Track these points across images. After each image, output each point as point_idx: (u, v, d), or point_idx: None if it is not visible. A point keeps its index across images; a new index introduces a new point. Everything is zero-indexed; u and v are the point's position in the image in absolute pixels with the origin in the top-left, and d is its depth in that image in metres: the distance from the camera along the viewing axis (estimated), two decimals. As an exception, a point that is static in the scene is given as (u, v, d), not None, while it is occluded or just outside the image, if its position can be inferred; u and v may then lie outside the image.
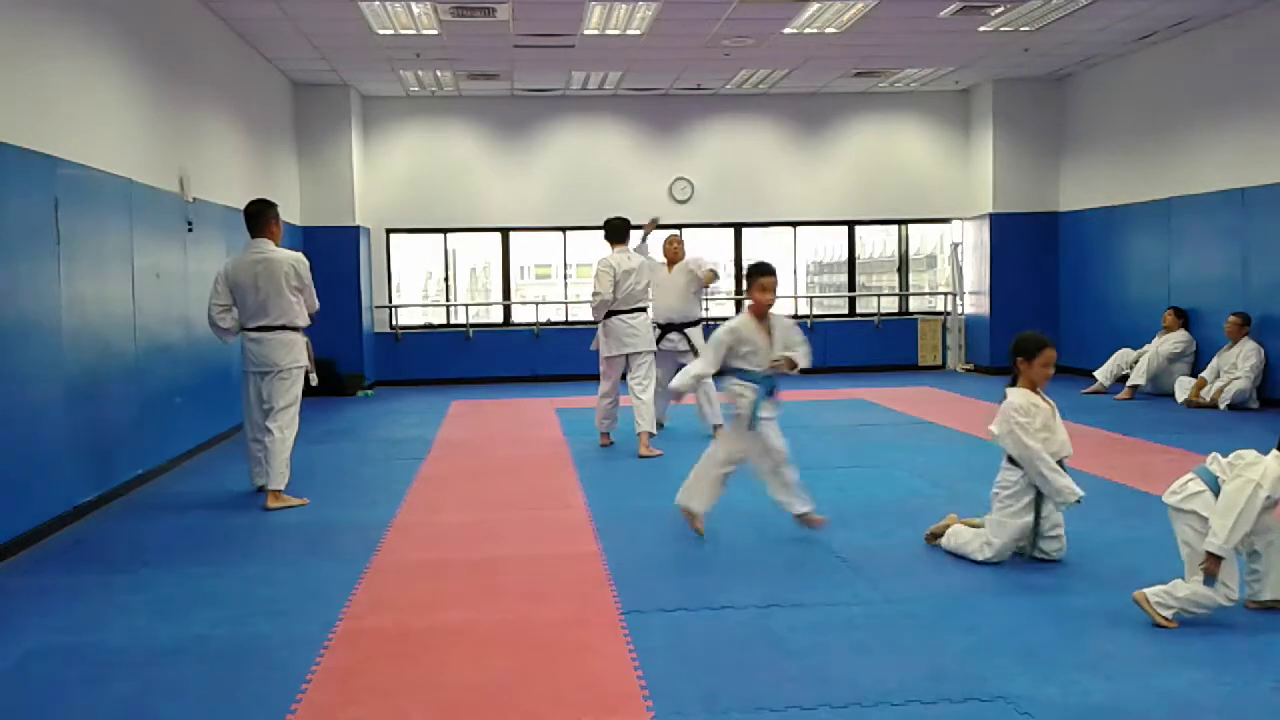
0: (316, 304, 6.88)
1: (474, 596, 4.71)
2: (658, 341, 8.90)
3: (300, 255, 6.77)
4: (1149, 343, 11.37)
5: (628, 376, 8.37)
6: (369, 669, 3.82)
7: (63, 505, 6.10)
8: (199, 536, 5.94)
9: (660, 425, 9.23)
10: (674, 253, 9.01)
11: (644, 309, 8.39)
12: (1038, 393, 4.98)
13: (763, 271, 5.56)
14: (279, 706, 3.48)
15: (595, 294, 8.26)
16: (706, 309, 9.40)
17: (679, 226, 14.23)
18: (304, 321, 6.75)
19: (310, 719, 3.41)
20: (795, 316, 14.75)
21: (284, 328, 6.58)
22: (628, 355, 8.31)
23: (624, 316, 8.26)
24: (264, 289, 6.53)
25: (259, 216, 6.71)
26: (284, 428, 6.55)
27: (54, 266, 6.05)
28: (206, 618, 4.44)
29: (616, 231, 8.43)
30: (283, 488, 6.52)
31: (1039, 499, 4.92)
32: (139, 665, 3.92)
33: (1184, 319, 11.22)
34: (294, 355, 6.62)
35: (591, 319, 8.93)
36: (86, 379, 6.48)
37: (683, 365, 8.91)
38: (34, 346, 5.81)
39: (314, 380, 6.95)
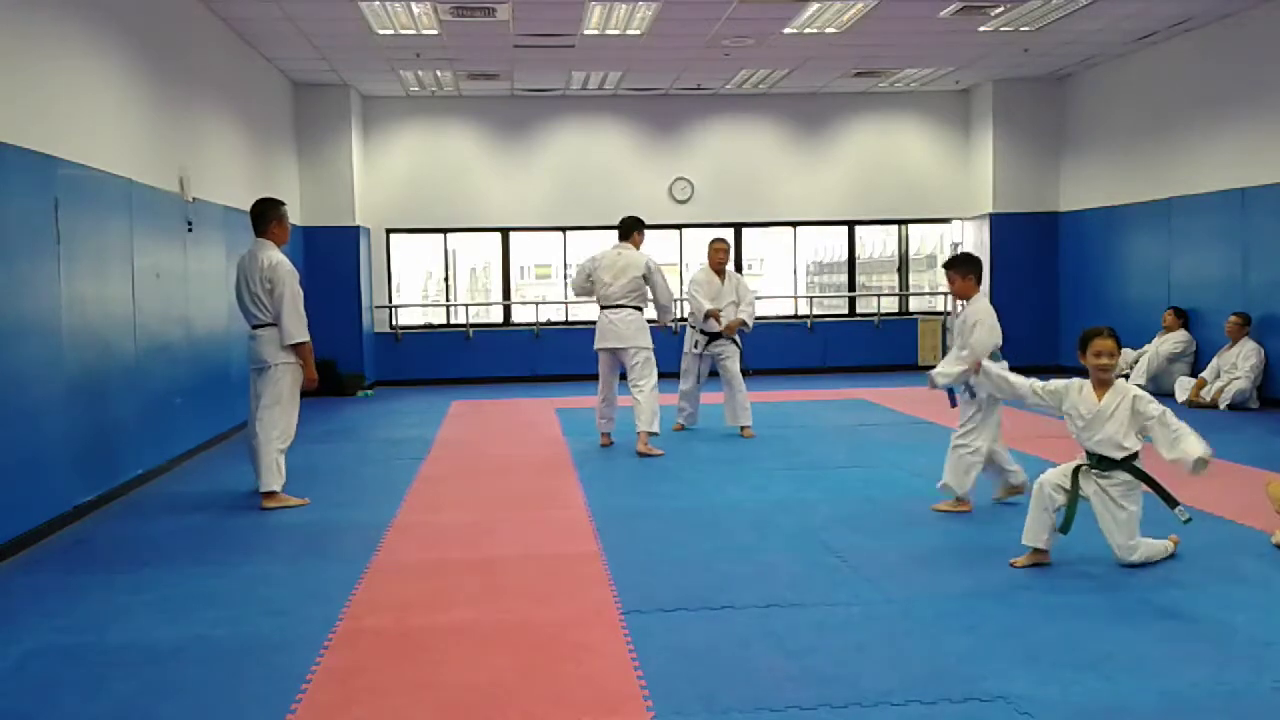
0: (283, 318, 6.42)
1: (474, 596, 4.70)
2: (705, 348, 8.93)
3: (279, 259, 6.54)
4: (1149, 343, 11.37)
5: (626, 375, 8.37)
6: (369, 669, 3.82)
7: (63, 505, 6.10)
8: (199, 536, 5.93)
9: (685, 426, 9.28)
10: (719, 261, 8.97)
11: (636, 307, 8.35)
12: (1099, 388, 4.97)
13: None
14: (279, 706, 3.48)
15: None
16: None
17: (679, 226, 14.33)
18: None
19: (310, 719, 3.41)
20: (795, 317, 14.81)
21: (272, 325, 6.58)
22: (616, 352, 8.33)
23: (608, 312, 8.34)
24: (248, 288, 6.57)
25: (261, 217, 6.72)
26: (267, 427, 6.51)
27: (54, 266, 6.05)
28: (206, 618, 4.44)
29: (621, 230, 8.57)
30: (276, 489, 6.51)
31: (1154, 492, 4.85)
32: (139, 665, 3.92)
33: (1184, 319, 11.22)
34: (285, 352, 6.61)
35: (591, 319, 8.96)
36: (86, 379, 6.48)
37: (723, 365, 8.97)
38: (34, 346, 5.81)
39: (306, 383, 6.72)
